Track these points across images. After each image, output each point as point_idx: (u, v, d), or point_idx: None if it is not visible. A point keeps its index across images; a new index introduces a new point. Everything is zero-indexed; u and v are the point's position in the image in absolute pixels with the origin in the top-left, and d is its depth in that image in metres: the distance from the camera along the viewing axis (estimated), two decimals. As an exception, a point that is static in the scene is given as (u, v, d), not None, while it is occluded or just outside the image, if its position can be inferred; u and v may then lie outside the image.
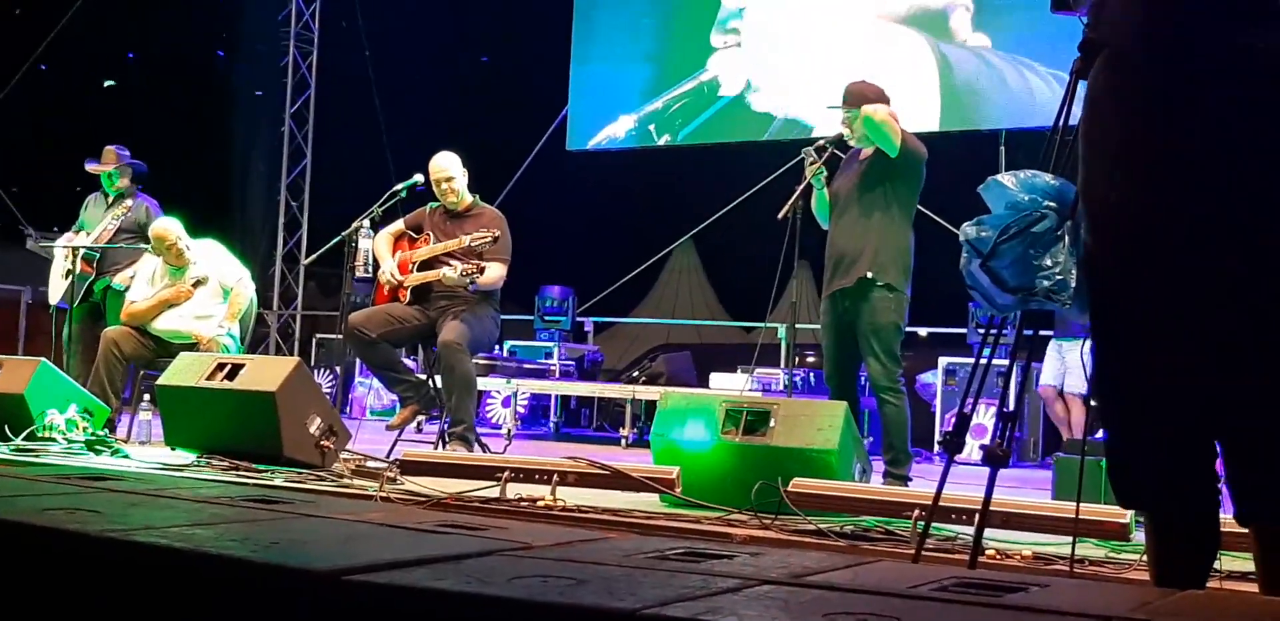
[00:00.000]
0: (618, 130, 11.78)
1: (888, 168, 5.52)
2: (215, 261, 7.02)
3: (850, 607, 1.57)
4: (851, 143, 5.67)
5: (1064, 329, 7.88)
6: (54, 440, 5.74)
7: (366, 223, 6.38)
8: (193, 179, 11.95)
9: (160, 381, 5.73)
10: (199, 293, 6.87)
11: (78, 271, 7.45)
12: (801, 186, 5.70)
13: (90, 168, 7.75)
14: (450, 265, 6.13)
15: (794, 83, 10.86)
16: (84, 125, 9.43)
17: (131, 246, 7.51)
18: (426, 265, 6.31)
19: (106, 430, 6.15)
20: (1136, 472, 2.41)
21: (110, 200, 7.76)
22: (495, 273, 6.19)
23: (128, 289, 7.28)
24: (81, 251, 7.45)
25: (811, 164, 5.65)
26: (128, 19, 11.32)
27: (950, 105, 10.07)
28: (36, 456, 5.38)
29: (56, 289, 7.65)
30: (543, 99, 12.21)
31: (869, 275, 5.46)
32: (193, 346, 6.58)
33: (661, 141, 11.57)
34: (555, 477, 4.45)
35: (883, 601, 1.62)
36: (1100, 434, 5.34)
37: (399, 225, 6.55)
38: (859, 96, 5.60)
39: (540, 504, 4.32)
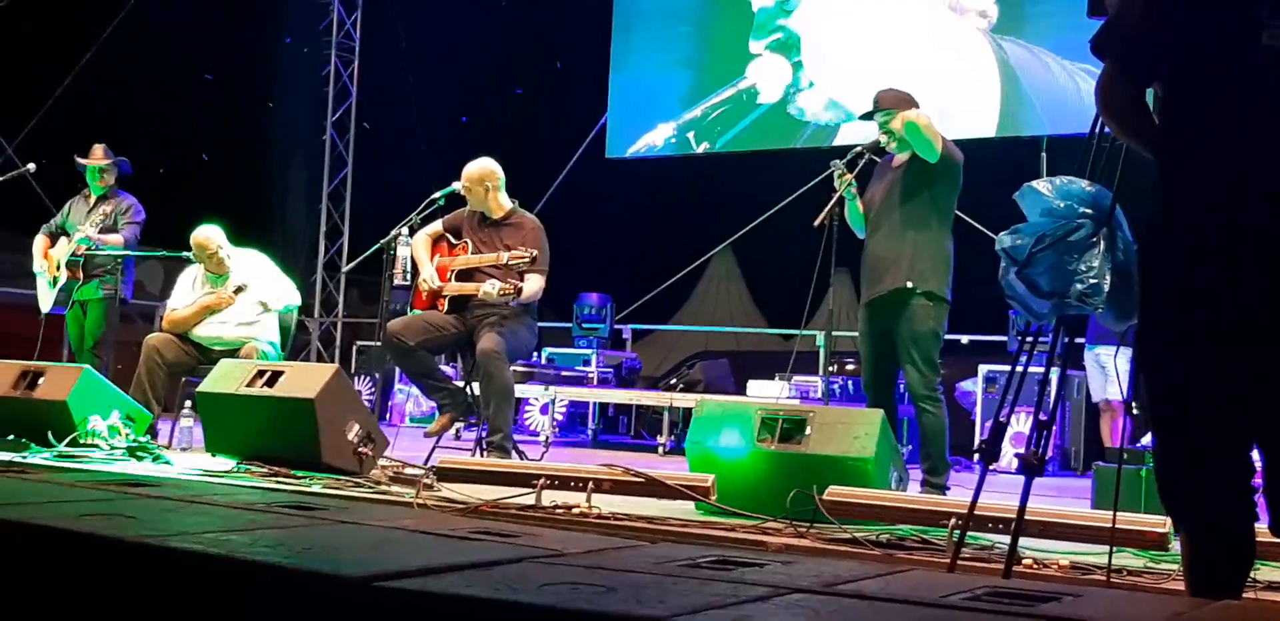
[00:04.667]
0: (656, 138, 11.77)
1: (926, 173, 5.47)
2: (264, 278, 7.06)
3: (880, 617, 1.56)
4: (889, 149, 5.63)
5: (1102, 337, 7.75)
6: (96, 446, 5.78)
7: (405, 230, 6.40)
8: (235, 187, 12.04)
9: (201, 388, 5.77)
10: (240, 299, 6.93)
11: (64, 279, 7.48)
12: (835, 197, 5.66)
13: (80, 161, 7.71)
14: (489, 281, 6.03)
15: (835, 88, 10.82)
16: (125, 131, 9.48)
17: (116, 250, 7.47)
18: (464, 275, 6.28)
19: (148, 436, 6.20)
20: (1181, 481, 2.39)
21: (93, 201, 7.74)
22: (534, 285, 6.14)
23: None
24: (64, 258, 7.48)
25: (841, 176, 5.61)
26: (171, 26, 11.41)
27: (1006, 110, 9.94)
28: (79, 462, 5.43)
29: (45, 296, 7.60)
30: (582, 107, 12.23)
31: (909, 284, 5.41)
32: (234, 353, 6.63)
33: (700, 149, 11.55)
34: (591, 485, 4.46)
35: (914, 611, 1.61)
36: (1140, 443, 5.30)
37: (437, 227, 6.49)
38: (896, 102, 5.57)
39: (575, 511, 4.32)
